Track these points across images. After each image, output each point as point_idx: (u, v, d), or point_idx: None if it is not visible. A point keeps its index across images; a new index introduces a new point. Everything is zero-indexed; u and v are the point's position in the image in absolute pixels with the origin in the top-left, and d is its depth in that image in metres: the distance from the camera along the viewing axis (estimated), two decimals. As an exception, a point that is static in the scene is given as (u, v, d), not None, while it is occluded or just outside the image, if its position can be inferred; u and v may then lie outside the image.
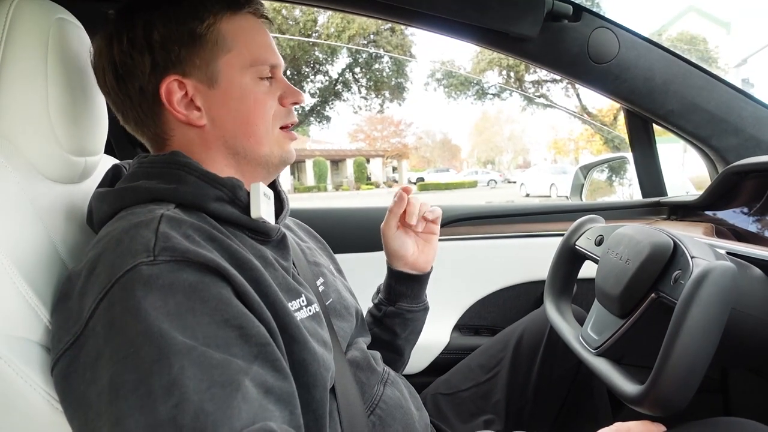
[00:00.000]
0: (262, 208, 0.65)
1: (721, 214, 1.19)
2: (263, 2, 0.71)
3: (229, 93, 0.66)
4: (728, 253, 0.79)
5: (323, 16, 16.62)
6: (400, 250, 0.90)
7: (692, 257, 0.65)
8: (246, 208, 0.65)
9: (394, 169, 30.46)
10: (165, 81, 0.64)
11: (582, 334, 0.83)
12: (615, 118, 17.77)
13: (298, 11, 16.00)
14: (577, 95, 18.08)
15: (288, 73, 16.82)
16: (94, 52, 0.68)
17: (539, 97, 19.18)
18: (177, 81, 0.64)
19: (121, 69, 0.65)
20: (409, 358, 1.01)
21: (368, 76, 19.10)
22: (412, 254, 0.91)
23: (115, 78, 0.66)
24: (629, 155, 1.55)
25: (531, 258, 1.35)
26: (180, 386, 0.45)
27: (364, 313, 0.93)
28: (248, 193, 0.66)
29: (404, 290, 0.92)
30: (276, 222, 0.70)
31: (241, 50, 0.66)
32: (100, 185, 0.69)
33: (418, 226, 0.90)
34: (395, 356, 0.95)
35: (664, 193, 1.45)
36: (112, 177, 0.70)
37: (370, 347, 0.86)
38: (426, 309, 0.97)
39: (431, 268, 0.95)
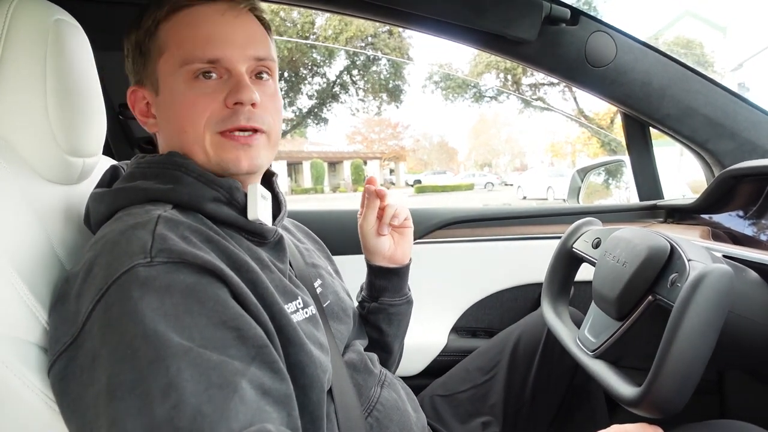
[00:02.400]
0: (259, 210, 0.65)
1: (717, 218, 1.19)
2: None
3: (167, 98, 0.65)
4: (725, 256, 0.79)
5: (321, 18, 16.64)
6: (377, 245, 0.90)
7: (689, 260, 0.66)
8: (243, 210, 0.65)
9: (392, 171, 30.46)
10: (129, 92, 0.70)
11: (579, 337, 0.84)
12: (612, 122, 17.79)
13: (296, 13, 16.01)
14: (575, 98, 18.10)
15: (285, 75, 16.84)
16: None
17: (536, 100, 19.22)
18: (138, 91, 0.69)
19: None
20: (401, 356, 1.01)
21: (366, 79, 19.11)
22: (389, 248, 0.91)
23: None
24: (626, 158, 1.55)
25: (528, 260, 1.35)
26: (177, 388, 0.45)
27: None
28: (245, 195, 0.66)
29: (385, 284, 0.92)
30: (273, 224, 0.70)
31: (172, 50, 0.64)
32: (98, 186, 0.69)
33: (394, 221, 0.90)
34: (385, 355, 0.94)
35: (660, 196, 1.45)
36: (110, 178, 0.70)
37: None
38: (409, 302, 0.97)
39: (410, 260, 0.95)
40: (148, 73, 0.66)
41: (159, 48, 0.65)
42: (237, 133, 0.64)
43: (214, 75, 0.64)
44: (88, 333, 0.50)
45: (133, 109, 0.70)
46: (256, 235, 0.67)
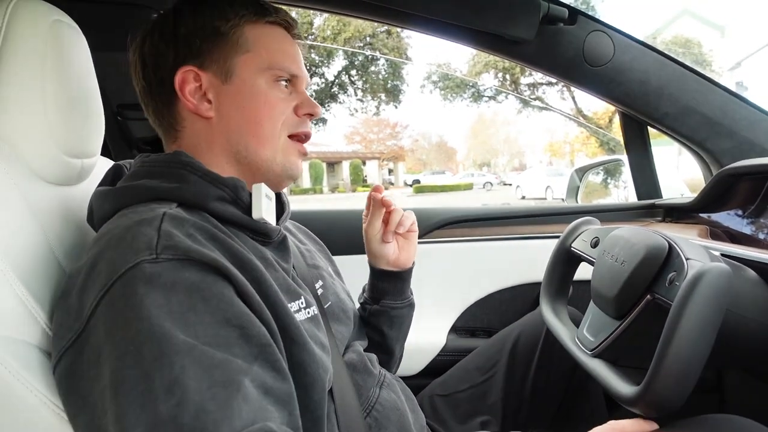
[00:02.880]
0: (264, 209, 0.65)
1: (715, 216, 1.19)
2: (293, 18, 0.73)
3: (241, 90, 0.67)
4: (723, 254, 0.79)
5: (319, 19, 16.64)
6: (382, 251, 0.90)
7: (687, 259, 0.66)
8: (248, 209, 0.66)
9: (390, 171, 30.47)
10: (181, 70, 0.67)
11: (578, 336, 0.84)
12: (610, 121, 17.81)
13: (294, 13, 15.97)
14: (573, 98, 18.13)
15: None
16: (131, 46, 0.71)
17: (535, 99, 19.23)
18: (193, 72, 0.67)
19: (148, 59, 0.68)
20: (402, 357, 1.01)
21: (364, 79, 19.12)
22: (394, 253, 0.91)
23: (141, 68, 0.69)
24: (624, 158, 1.56)
25: (527, 260, 1.35)
26: (181, 385, 0.45)
27: None
28: (250, 194, 0.66)
29: (387, 287, 0.93)
30: (276, 223, 0.71)
31: (260, 53, 0.68)
32: (101, 184, 0.69)
33: (399, 229, 0.90)
34: (386, 357, 0.95)
35: (658, 195, 1.46)
36: (113, 176, 0.70)
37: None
38: (411, 305, 0.97)
39: (413, 263, 0.95)
40: (219, 59, 0.67)
41: (245, 44, 0.68)
42: (299, 141, 0.72)
43: (289, 85, 0.71)
44: (93, 329, 0.50)
45: (181, 88, 0.67)
46: (261, 234, 0.67)
